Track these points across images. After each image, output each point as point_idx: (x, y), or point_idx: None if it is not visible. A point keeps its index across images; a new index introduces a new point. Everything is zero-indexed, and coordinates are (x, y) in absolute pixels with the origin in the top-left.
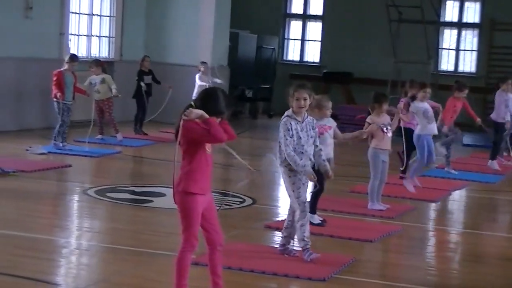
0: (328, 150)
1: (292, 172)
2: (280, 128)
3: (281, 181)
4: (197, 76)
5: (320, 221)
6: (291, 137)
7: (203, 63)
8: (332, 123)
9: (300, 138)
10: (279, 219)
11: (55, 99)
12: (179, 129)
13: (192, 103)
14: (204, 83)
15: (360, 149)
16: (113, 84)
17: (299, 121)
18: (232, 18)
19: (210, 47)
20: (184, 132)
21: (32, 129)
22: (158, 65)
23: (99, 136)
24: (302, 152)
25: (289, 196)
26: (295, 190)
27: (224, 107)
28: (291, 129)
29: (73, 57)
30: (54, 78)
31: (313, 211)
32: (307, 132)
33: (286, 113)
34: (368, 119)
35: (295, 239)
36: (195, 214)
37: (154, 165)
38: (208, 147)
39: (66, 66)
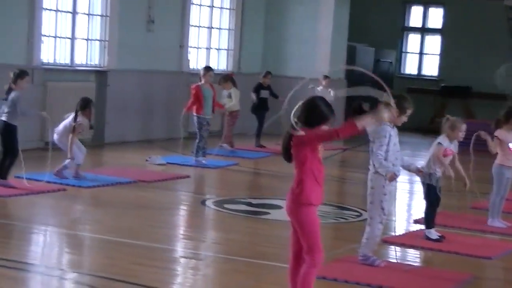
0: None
1: (386, 181)
2: (376, 134)
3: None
4: (317, 88)
5: (438, 237)
6: (386, 145)
7: (326, 77)
8: (456, 148)
9: (395, 144)
10: (396, 233)
11: (194, 114)
12: (289, 146)
13: (294, 120)
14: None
15: (483, 163)
16: (236, 98)
17: (392, 128)
18: (350, 31)
19: (327, 60)
20: (298, 146)
21: (154, 140)
22: (275, 78)
23: (229, 148)
24: (397, 158)
25: (371, 203)
26: (383, 200)
27: (327, 112)
28: (388, 136)
29: (207, 68)
30: (193, 93)
31: (430, 226)
32: (397, 138)
33: None
34: (496, 133)
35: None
36: (318, 226)
37: (270, 177)
38: (321, 155)
39: (202, 80)
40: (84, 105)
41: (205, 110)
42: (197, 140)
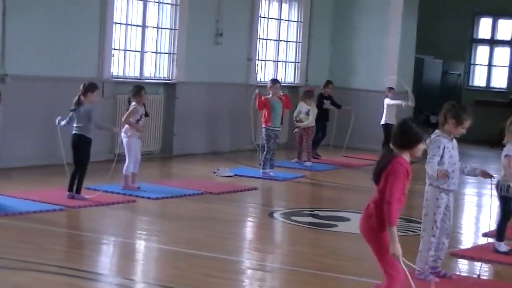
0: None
1: (440, 194)
2: (430, 145)
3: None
4: (386, 99)
5: (507, 250)
6: (441, 156)
7: (390, 88)
8: None
9: (452, 156)
10: (464, 247)
11: (263, 126)
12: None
13: (391, 146)
14: (394, 102)
15: None
16: (313, 116)
17: (449, 140)
18: (418, 43)
19: (395, 73)
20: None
21: (222, 152)
22: (342, 91)
23: (294, 160)
24: (453, 171)
25: (425, 215)
26: (436, 213)
27: (421, 132)
28: (442, 148)
29: (274, 81)
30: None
31: (500, 238)
32: (456, 151)
33: (435, 133)
34: None
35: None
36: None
37: (338, 190)
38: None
39: (270, 92)
40: (136, 91)
41: (273, 122)
42: (264, 152)
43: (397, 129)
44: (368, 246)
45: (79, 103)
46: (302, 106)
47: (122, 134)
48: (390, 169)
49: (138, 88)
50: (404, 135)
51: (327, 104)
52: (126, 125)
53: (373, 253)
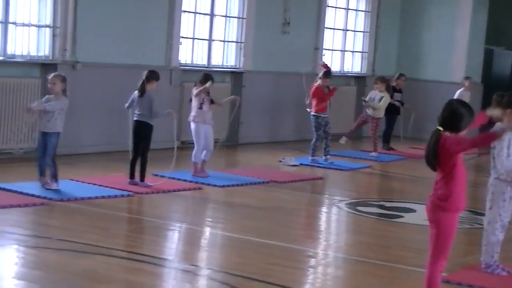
0: None
1: (507, 188)
2: (498, 142)
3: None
4: (458, 91)
5: None
6: (507, 148)
7: (467, 78)
8: None
9: None
10: None
11: (312, 113)
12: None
13: (439, 127)
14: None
15: None
16: (385, 104)
17: None
18: (488, 34)
19: (463, 64)
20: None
21: (286, 141)
22: (411, 82)
23: (374, 154)
24: None
25: (490, 208)
26: (501, 207)
27: (467, 114)
28: (508, 140)
29: (327, 74)
30: (313, 93)
31: None
32: None
33: (498, 125)
34: None
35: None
36: (454, 234)
37: (404, 181)
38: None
39: (319, 81)
40: (204, 79)
41: (324, 109)
42: (313, 140)
43: (443, 112)
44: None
45: (143, 90)
46: (375, 93)
47: (191, 121)
48: (442, 144)
49: (206, 77)
50: (450, 118)
51: (397, 96)
52: (193, 112)
53: (434, 237)
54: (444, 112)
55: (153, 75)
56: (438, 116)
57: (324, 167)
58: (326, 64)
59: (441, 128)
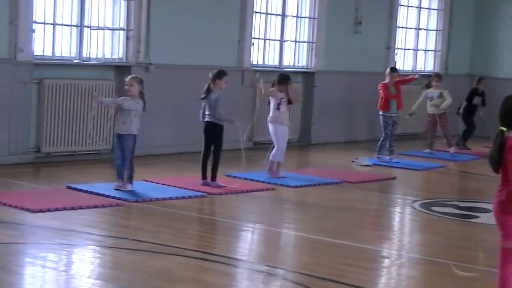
0: None
1: None
2: None
3: None
4: None
5: None
6: None
7: None
8: None
9: None
10: None
11: (380, 112)
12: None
13: (502, 128)
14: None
15: None
16: (448, 99)
17: None
18: None
19: None
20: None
21: (359, 141)
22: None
23: (427, 150)
24: None
25: None
26: None
27: None
28: None
29: (394, 69)
30: (381, 90)
31: None
32: None
33: None
34: None
35: None
36: None
37: (479, 180)
38: None
39: (387, 79)
40: (282, 80)
41: (391, 108)
42: (381, 138)
43: (504, 107)
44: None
45: (208, 91)
46: (430, 92)
47: (268, 122)
48: (507, 149)
49: (284, 77)
50: (508, 115)
51: (477, 99)
52: (271, 113)
53: (502, 240)
54: (502, 109)
55: (215, 75)
56: (498, 114)
57: (397, 167)
58: (414, 75)
59: (504, 129)
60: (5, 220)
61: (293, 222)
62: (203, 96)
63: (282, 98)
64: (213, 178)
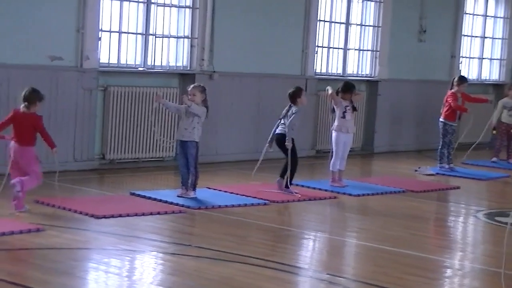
0: None
1: None
2: None
3: None
4: None
5: None
6: None
7: None
8: None
9: None
10: None
11: (441, 120)
12: None
13: None
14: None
15: None
16: None
17: None
18: None
19: None
20: None
21: (422, 150)
22: None
23: (494, 159)
24: None
25: None
26: None
27: None
28: None
29: (462, 79)
30: (450, 99)
31: None
32: None
33: None
34: None
35: None
36: None
37: None
38: None
39: (455, 88)
40: (346, 88)
41: (455, 118)
42: (439, 147)
43: None
44: None
45: (292, 102)
46: (506, 101)
47: (333, 130)
48: None
49: (348, 86)
50: None
51: None
52: (336, 121)
53: None
54: None
55: (292, 96)
56: None
57: (460, 177)
58: (488, 99)
59: None
60: (70, 225)
61: (355, 230)
62: (288, 107)
63: (347, 106)
64: (286, 185)
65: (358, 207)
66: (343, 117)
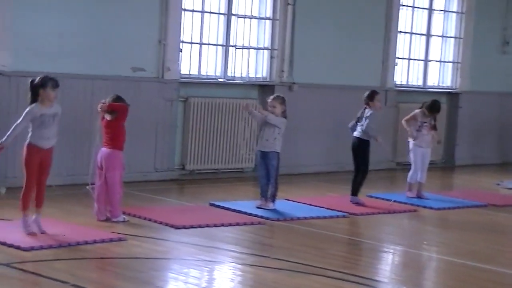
0: None
1: None
2: None
3: None
4: None
5: None
6: None
7: None
8: None
9: None
10: None
11: None
12: None
13: None
14: None
15: None
16: None
17: None
18: None
19: None
20: None
21: (505, 163)
22: None
23: None
24: None
25: None
26: None
27: None
28: None
29: None
30: None
31: None
32: None
33: None
34: None
35: None
36: None
37: None
38: None
39: None
40: (433, 109)
41: None
42: None
43: None
44: None
45: (364, 110)
46: None
47: (410, 142)
48: None
49: (437, 107)
50: None
51: None
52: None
53: None
54: None
55: (368, 97)
56: None
57: None
58: None
59: None
60: (151, 235)
61: (435, 244)
62: (359, 115)
63: (425, 123)
64: (354, 192)
65: (438, 220)
66: (419, 130)
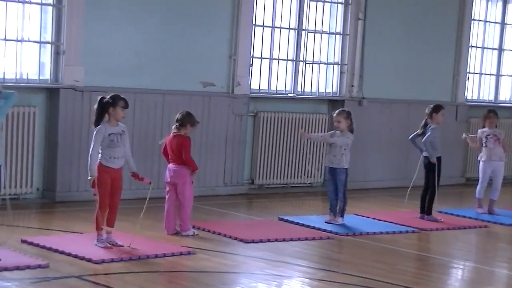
0: None
1: None
2: None
3: None
4: None
5: None
6: None
7: None
8: None
9: None
10: None
11: None
12: None
13: None
14: None
15: None
16: None
17: None
18: None
19: None
20: None
21: None
22: None
23: None
24: None
25: None
26: None
27: None
28: None
29: None
30: None
31: None
32: None
33: None
34: None
35: None
36: None
37: None
38: None
39: None
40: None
41: None
42: None
43: None
44: None
45: (425, 126)
46: None
47: (479, 158)
48: None
49: (494, 115)
50: None
51: None
52: (481, 150)
53: None
54: None
55: (432, 109)
56: None
57: None
58: None
59: None
60: (220, 249)
61: (507, 261)
62: (420, 131)
63: (489, 135)
64: (428, 211)
65: (509, 236)
66: (485, 145)
